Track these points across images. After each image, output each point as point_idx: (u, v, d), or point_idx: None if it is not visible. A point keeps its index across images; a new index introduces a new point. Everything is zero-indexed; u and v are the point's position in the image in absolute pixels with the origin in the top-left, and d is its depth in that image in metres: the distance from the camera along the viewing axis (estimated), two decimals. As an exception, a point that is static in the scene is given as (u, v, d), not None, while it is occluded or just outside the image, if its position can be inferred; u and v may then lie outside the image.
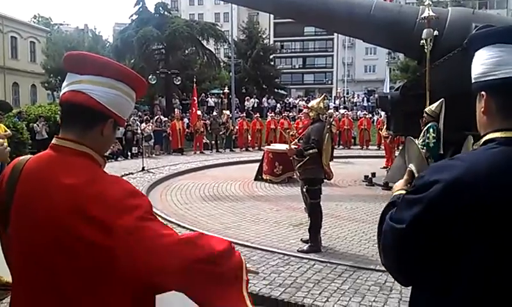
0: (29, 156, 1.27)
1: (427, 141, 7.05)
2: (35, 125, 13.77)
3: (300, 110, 22.86)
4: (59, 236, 1.09)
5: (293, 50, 57.37)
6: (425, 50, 8.40)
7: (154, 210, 4.64)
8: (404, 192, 1.35)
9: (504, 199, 1.02)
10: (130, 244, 1.06)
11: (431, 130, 7.00)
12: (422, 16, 8.60)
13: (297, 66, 56.55)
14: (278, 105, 28.31)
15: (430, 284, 1.10)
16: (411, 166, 1.52)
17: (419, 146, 7.41)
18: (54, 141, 1.23)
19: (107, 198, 1.10)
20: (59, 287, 1.11)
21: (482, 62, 1.13)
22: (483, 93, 1.14)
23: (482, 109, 1.15)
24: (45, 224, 1.11)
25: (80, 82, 1.20)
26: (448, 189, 1.03)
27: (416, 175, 1.46)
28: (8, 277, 1.35)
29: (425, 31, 8.39)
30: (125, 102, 1.26)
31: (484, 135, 1.14)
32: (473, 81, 1.17)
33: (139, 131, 15.46)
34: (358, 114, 23.91)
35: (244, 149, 18.00)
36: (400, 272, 1.19)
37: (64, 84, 1.24)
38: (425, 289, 1.14)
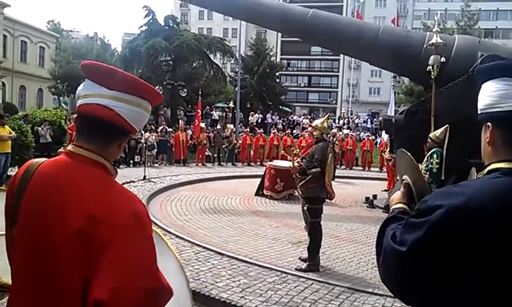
0: (43, 159, 1.29)
1: (430, 166, 7.05)
2: (40, 128, 13.87)
3: (304, 128, 22.93)
4: (69, 236, 1.10)
5: (299, 69, 57.82)
6: (432, 76, 8.46)
7: (154, 219, 4.67)
8: (401, 205, 1.39)
9: (506, 228, 1.03)
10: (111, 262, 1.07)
11: (435, 155, 7.01)
12: (430, 42, 8.67)
13: (302, 85, 56.90)
14: (280, 121, 28.38)
15: (427, 305, 1.10)
16: (406, 178, 1.53)
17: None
18: (70, 148, 1.25)
19: (116, 216, 1.12)
20: (59, 285, 1.11)
21: (489, 94, 1.16)
22: (489, 123, 1.17)
23: (488, 140, 1.17)
24: (55, 224, 1.12)
25: (108, 97, 1.21)
26: (450, 215, 1.04)
27: (412, 186, 1.49)
28: (6, 279, 1.36)
29: (432, 57, 8.46)
30: (145, 118, 1.31)
31: (488, 164, 1.16)
32: (479, 112, 1.20)
33: (142, 140, 15.51)
34: (361, 135, 23.94)
35: (246, 164, 18.00)
36: (400, 292, 1.19)
37: (85, 92, 1.24)
38: None
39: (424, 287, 1.10)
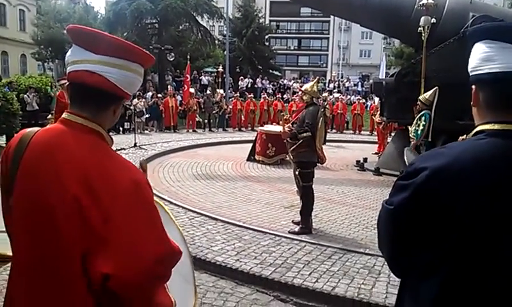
0: (37, 128, 1.27)
1: (416, 128, 7.13)
2: (25, 95, 13.56)
3: (294, 93, 22.83)
4: (67, 202, 1.10)
5: (289, 31, 56.68)
6: (422, 38, 8.39)
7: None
8: None
9: (487, 188, 1.06)
10: (117, 239, 1.07)
11: (423, 118, 7.07)
12: (421, 3, 8.55)
13: (292, 48, 55.96)
14: (269, 86, 28.12)
15: (415, 266, 1.15)
16: None
17: (411, 134, 7.47)
18: (65, 115, 1.23)
19: (115, 185, 1.11)
20: (58, 254, 1.12)
21: (475, 57, 1.18)
22: (473, 86, 1.20)
23: (472, 102, 1.21)
24: (52, 192, 1.12)
25: (96, 62, 1.19)
26: (434, 176, 1.08)
27: None
28: (2, 250, 1.36)
29: (423, 18, 8.36)
30: (137, 82, 1.28)
31: (476, 126, 1.20)
32: (469, 74, 1.23)
33: (131, 107, 15.29)
34: (351, 99, 23.93)
35: (236, 129, 17.96)
36: (391, 256, 1.24)
37: (73, 58, 1.22)
38: (411, 273, 1.19)
39: (411, 248, 1.15)
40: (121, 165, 1.18)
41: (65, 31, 1.30)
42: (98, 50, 1.18)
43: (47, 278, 1.13)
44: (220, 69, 20.87)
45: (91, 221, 1.08)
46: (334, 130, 18.76)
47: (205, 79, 26.21)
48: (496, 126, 1.13)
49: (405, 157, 6.57)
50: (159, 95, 17.48)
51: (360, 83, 30.32)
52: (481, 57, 1.15)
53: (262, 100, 19.30)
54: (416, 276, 1.16)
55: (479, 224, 1.06)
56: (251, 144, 10.95)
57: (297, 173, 5.46)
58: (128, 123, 15.09)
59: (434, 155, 1.16)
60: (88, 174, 1.10)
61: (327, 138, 13.28)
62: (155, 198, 1.74)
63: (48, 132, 1.22)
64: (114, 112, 1.26)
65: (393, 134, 11.70)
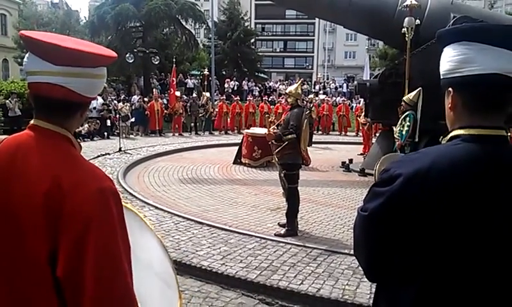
0: (3, 136, 1.26)
1: (401, 129, 7.21)
2: (7, 101, 13.33)
3: (280, 95, 22.91)
4: (34, 217, 1.08)
5: (274, 33, 56.93)
6: (406, 39, 8.49)
7: (132, 191, 4.61)
8: None
9: (463, 193, 1.06)
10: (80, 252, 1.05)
11: (408, 118, 7.15)
12: (404, 4, 8.65)
13: (278, 50, 56.21)
14: (256, 88, 28.17)
15: (392, 271, 1.15)
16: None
17: (396, 135, 7.49)
18: (34, 122, 1.21)
19: (83, 191, 1.09)
20: (24, 256, 1.10)
21: (450, 59, 1.15)
22: (450, 89, 1.17)
23: (449, 105, 1.17)
24: (19, 191, 1.11)
25: (56, 73, 1.15)
26: (410, 182, 1.07)
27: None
28: None
29: (406, 19, 8.45)
30: (101, 84, 1.27)
31: (451, 131, 1.18)
32: (441, 77, 1.20)
33: (112, 110, 15.15)
34: (337, 100, 24.09)
35: (223, 132, 17.93)
36: (368, 262, 1.23)
37: (32, 68, 1.18)
38: (386, 280, 1.18)
39: (388, 254, 1.15)
40: (91, 172, 1.16)
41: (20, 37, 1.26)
42: (57, 60, 1.15)
43: (12, 281, 1.11)
44: (206, 72, 20.82)
45: (56, 223, 1.06)
46: (320, 132, 18.84)
47: (190, 82, 26.10)
48: (471, 131, 1.12)
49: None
50: (145, 99, 17.35)
51: (344, 84, 30.58)
52: (459, 60, 1.12)
53: (247, 102, 19.29)
54: (393, 281, 1.15)
55: (457, 229, 1.05)
56: (237, 147, 10.93)
57: (282, 175, 5.48)
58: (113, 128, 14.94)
59: (409, 160, 1.14)
60: (57, 173, 1.10)
61: (313, 140, 13.35)
62: (128, 206, 1.71)
63: (17, 138, 1.21)
64: (81, 116, 1.27)
65: (377, 135, 11.80)
